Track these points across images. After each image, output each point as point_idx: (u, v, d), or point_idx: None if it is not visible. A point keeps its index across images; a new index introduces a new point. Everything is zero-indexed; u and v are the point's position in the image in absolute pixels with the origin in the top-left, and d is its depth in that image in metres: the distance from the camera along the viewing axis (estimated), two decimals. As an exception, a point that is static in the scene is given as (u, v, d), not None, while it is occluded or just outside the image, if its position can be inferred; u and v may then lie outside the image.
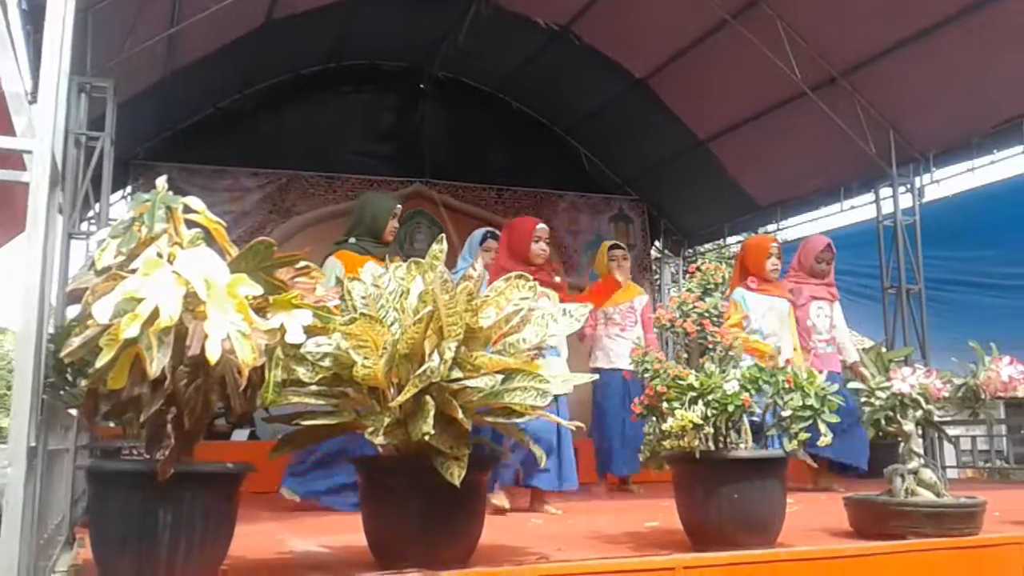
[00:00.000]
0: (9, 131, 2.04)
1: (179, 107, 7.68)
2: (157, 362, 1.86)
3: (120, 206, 7.46)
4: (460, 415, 2.21)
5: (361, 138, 8.79)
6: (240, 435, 6.19)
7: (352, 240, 4.34)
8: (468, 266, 4.12)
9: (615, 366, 5.30)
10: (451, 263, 4.89)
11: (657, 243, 10.31)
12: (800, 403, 2.72)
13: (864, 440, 5.23)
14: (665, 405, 2.74)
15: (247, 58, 7.46)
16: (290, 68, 8.43)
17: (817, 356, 5.27)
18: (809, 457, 5.22)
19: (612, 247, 5.70)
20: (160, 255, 2.07)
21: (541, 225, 4.38)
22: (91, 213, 5.28)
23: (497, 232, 4.72)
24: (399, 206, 4.51)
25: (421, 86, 9.03)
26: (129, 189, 7.69)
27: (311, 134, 8.39)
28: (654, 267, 10.24)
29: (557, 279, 4.36)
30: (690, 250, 10.35)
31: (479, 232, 4.76)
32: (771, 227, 9.39)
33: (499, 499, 3.96)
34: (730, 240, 10.06)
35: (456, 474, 2.17)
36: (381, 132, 8.99)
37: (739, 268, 5.40)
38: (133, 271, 2.01)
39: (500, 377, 2.35)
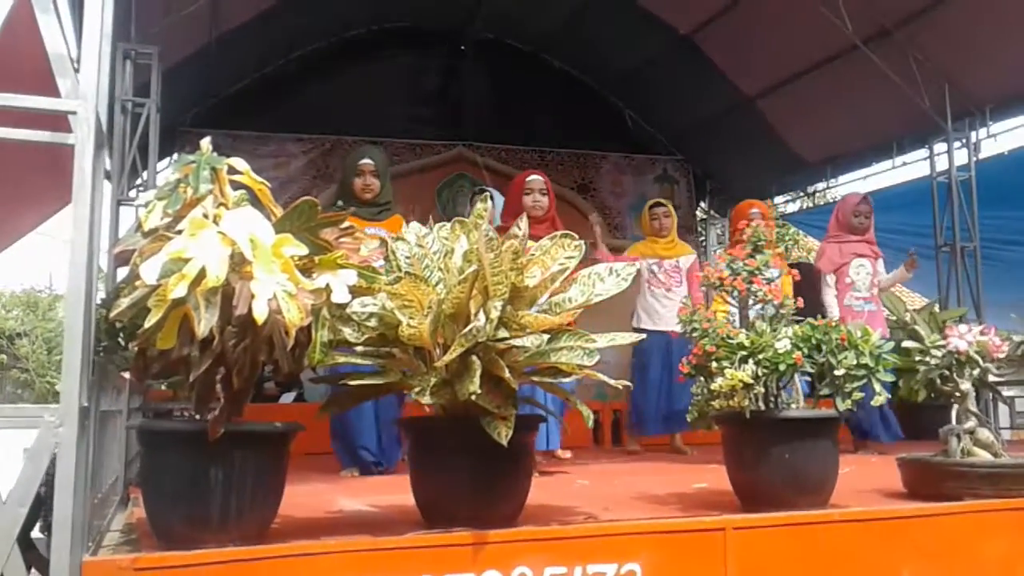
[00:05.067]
0: (54, 94, 2.05)
1: (223, 74, 7.69)
2: (205, 322, 1.86)
3: (168, 173, 7.54)
4: (507, 374, 2.19)
5: (403, 102, 8.74)
6: (287, 398, 6.27)
7: (339, 203, 4.19)
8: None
9: (658, 328, 5.19)
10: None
11: (703, 204, 10.16)
12: (854, 361, 2.66)
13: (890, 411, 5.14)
14: (714, 365, 2.70)
15: (290, 23, 7.44)
16: (332, 32, 8.40)
17: (855, 315, 5.17)
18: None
19: (653, 204, 5.61)
20: (206, 216, 2.07)
21: (533, 177, 4.32)
22: (139, 180, 5.33)
23: (482, 188, 4.69)
24: (366, 160, 4.21)
25: (462, 47, 8.95)
26: (176, 156, 7.76)
27: (354, 98, 8.36)
28: (699, 228, 10.09)
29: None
30: (736, 210, 10.16)
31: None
32: (820, 185, 9.19)
33: None
34: (778, 200, 9.87)
35: (504, 434, 2.16)
36: (423, 95, 8.93)
37: (731, 234, 5.31)
38: (180, 232, 2.01)
39: (546, 337, 2.33)
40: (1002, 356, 3.09)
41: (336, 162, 8.25)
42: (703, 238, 10.10)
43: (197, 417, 2.09)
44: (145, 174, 5.24)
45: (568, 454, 4.73)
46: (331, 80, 8.32)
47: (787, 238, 13.19)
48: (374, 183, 4.19)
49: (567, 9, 8.30)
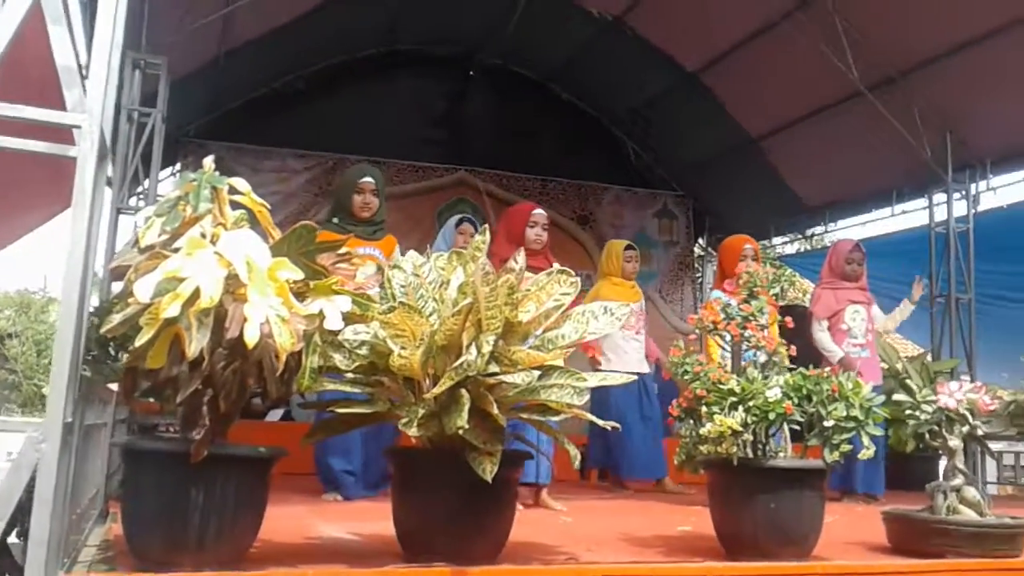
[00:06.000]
0: (60, 105, 2.05)
1: (231, 86, 7.73)
2: (196, 343, 1.86)
3: (170, 182, 7.55)
4: (495, 410, 2.18)
5: (408, 123, 8.77)
6: (275, 415, 6.23)
7: (335, 220, 4.20)
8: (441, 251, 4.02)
9: (629, 369, 5.11)
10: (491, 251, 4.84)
11: (701, 241, 10.18)
12: (844, 413, 2.65)
13: (881, 463, 5.12)
14: (704, 409, 2.69)
15: (300, 40, 7.48)
16: (341, 51, 8.44)
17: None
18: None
19: (628, 247, 5.57)
20: (204, 235, 2.07)
21: (539, 211, 4.33)
22: (140, 188, 5.33)
23: (472, 217, 4.68)
24: (367, 179, 4.19)
25: (471, 73, 9.00)
26: (179, 166, 7.78)
27: (359, 118, 8.39)
28: (696, 265, 10.11)
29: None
30: (734, 249, 10.18)
31: (455, 217, 4.66)
32: (819, 228, 9.21)
33: None
34: (776, 240, 9.90)
35: (489, 469, 2.15)
36: (429, 118, 8.96)
37: (719, 270, 5.31)
38: (176, 250, 2.01)
39: (537, 373, 2.32)
40: (993, 412, 3.09)
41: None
42: (700, 275, 10.11)
43: (181, 435, 2.08)
44: (147, 182, 5.24)
45: (560, 507, 4.23)
46: (337, 98, 8.36)
47: (783, 279, 13.20)
48: (373, 202, 4.20)
49: (576, 41, 8.37)
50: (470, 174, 8.82)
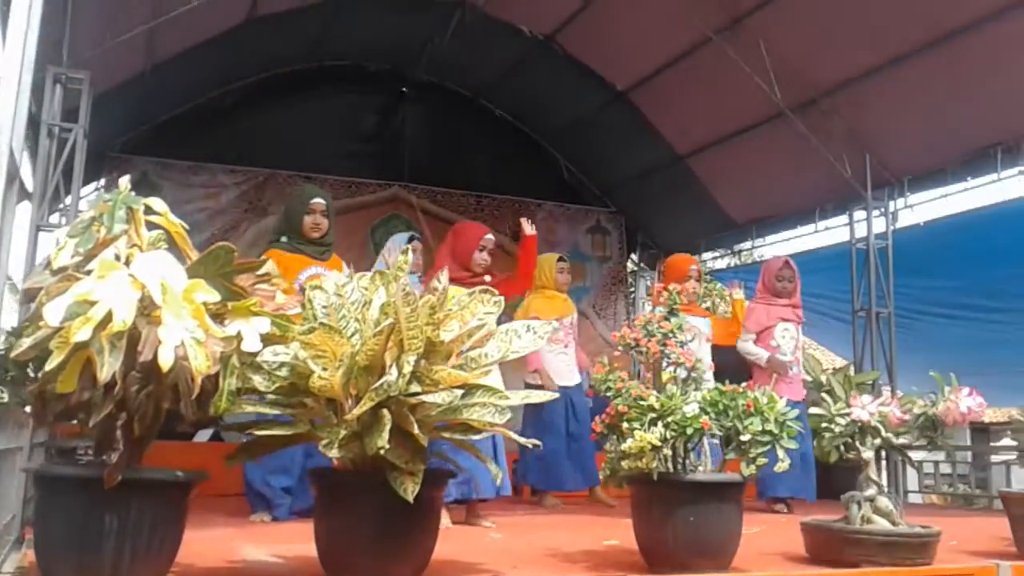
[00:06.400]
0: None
1: (158, 101, 7.58)
2: (108, 367, 1.83)
3: (94, 197, 7.37)
4: (416, 430, 2.19)
5: (341, 139, 8.72)
6: (203, 436, 6.11)
7: (284, 239, 4.25)
8: (381, 268, 4.08)
9: (561, 383, 5.25)
10: (426, 268, 4.87)
11: (633, 256, 10.33)
12: (760, 428, 2.73)
13: (812, 469, 5.29)
14: (625, 425, 2.74)
15: (228, 54, 7.39)
16: (271, 66, 8.36)
17: (779, 378, 5.30)
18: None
19: (560, 259, 5.71)
20: (118, 257, 2.05)
21: (489, 236, 4.42)
22: (62, 205, 5.20)
23: (419, 236, 4.75)
24: (318, 199, 4.27)
25: (403, 89, 9.00)
26: (103, 181, 7.60)
27: (291, 133, 8.32)
28: (630, 280, 10.25)
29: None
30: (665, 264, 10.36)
31: (404, 235, 4.68)
32: (746, 244, 9.43)
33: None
34: (706, 256, 10.09)
35: (410, 489, 2.16)
36: (361, 133, 8.93)
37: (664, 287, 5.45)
38: (89, 272, 1.98)
39: (459, 392, 2.34)
40: (904, 424, 3.21)
41: (270, 195, 8.18)
42: (632, 290, 10.25)
43: (97, 459, 2.05)
44: (68, 199, 5.12)
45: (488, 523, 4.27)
46: (268, 113, 8.27)
47: (714, 293, 13.51)
48: (323, 222, 4.27)
49: (509, 60, 8.45)
50: (404, 190, 8.81)
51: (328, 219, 4.29)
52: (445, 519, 3.94)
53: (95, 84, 5.08)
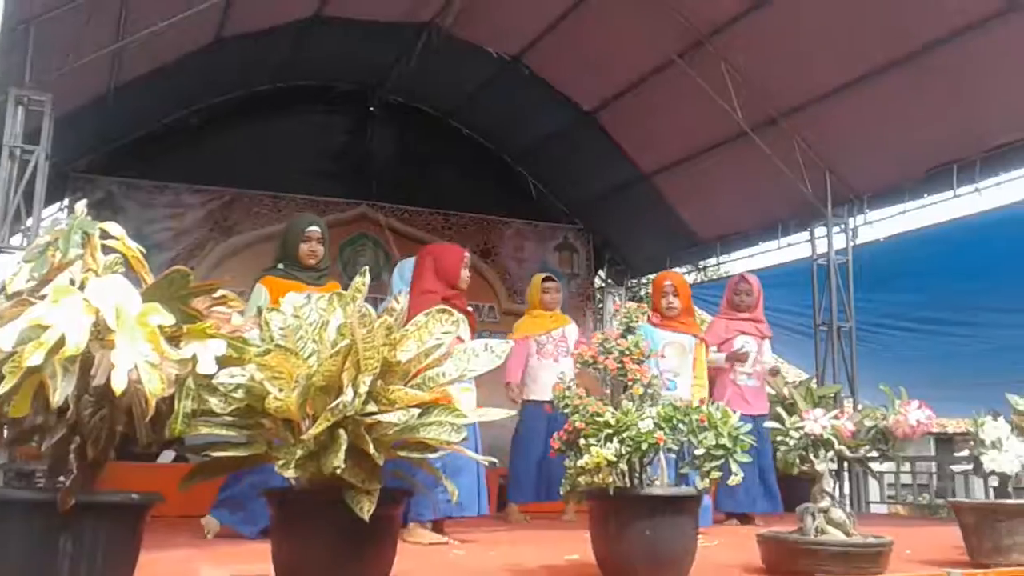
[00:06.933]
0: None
1: (123, 121, 7.58)
2: (61, 391, 1.84)
3: (57, 219, 7.33)
4: (372, 449, 2.22)
5: (309, 158, 8.75)
6: (166, 457, 6.08)
7: (280, 266, 4.36)
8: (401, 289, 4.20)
9: (541, 397, 5.34)
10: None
11: (601, 273, 10.42)
12: (713, 442, 2.78)
13: (772, 483, 5.38)
14: (582, 441, 2.79)
15: (195, 75, 7.40)
16: (239, 86, 8.38)
17: (739, 391, 5.39)
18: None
19: (546, 279, 5.86)
20: (73, 282, 2.06)
21: (467, 253, 4.58)
22: (24, 227, 5.19)
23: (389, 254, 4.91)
24: (313, 228, 4.40)
25: (371, 109, 9.05)
26: (67, 201, 7.56)
27: (258, 153, 8.33)
28: (598, 296, 10.34)
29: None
30: (633, 280, 10.48)
31: (412, 260, 4.78)
32: (712, 261, 9.56)
33: (421, 535, 3.98)
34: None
35: (366, 508, 2.18)
36: (329, 153, 8.97)
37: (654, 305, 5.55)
38: (43, 297, 1.99)
39: (416, 411, 2.37)
40: (855, 437, 3.28)
41: (236, 215, 8.19)
42: (601, 305, 10.33)
43: (50, 483, 2.06)
44: (30, 221, 5.10)
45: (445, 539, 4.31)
46: (234, 133, 8.28)
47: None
48: (319, 249, 4.38)
49: (476, 81, 8.54)
50: (372, 208, 8.84)
51: (324, 246, 4.42)
52: (438, 536, 4.00)
53: (58, 105, 5.09)
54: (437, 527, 4.20)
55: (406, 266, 4.68)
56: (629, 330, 3.08)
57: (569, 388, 2.98)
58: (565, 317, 5.83)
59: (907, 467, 8.90)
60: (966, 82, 6.12)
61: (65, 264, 2.08)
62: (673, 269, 10.02)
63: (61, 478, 2.01)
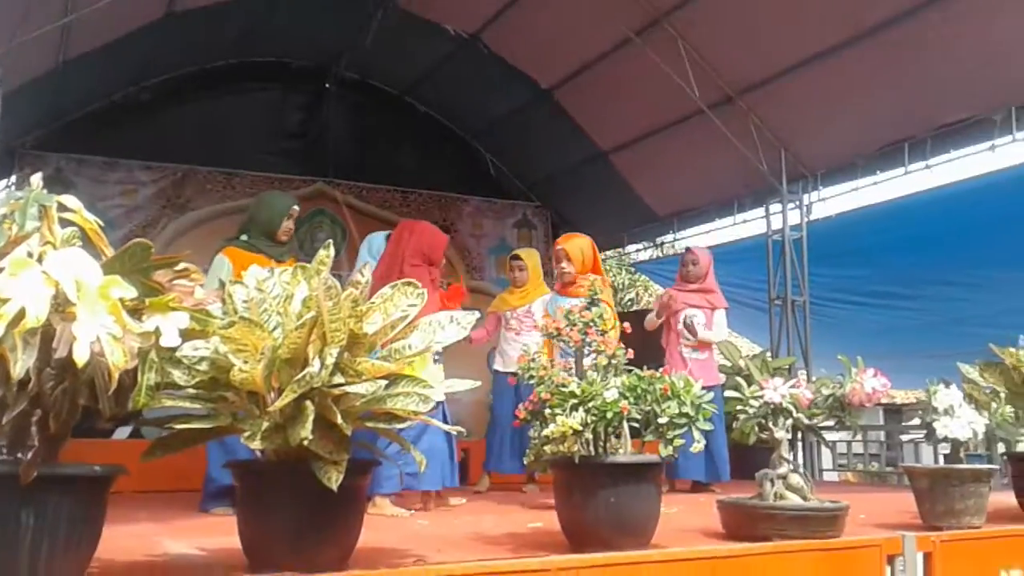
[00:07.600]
0: None
1: (72, 97, 7.40)
2: (21, 364, 1.82)
3: (9, 195, 7.14)
4: (339, 420, 2.22)
5: (263, 135, 8.64)
6: (122, 433, 5.99)
7: (244, 237, 4.36)
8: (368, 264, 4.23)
9: (507, 370, 5.48)
10: (351, 264, 4.97)
11: (559, 250, 10.44)
12: (677, 411, 2.83)
13: (720, 452, 5.50)
14: (548, 411, 2.82)
15: (146, 50, 7.25)
16: (192, 62, 8.22)
17: (686, 364, 5.48)
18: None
19: (512, 257, 5.98)
20: (30, 255, 2.02)
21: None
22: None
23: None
24: (296, 207, 4.52)
25: (327, 86, 8.95)
26: (14, 178, 7.37)
27: (211, 129, 8.20)
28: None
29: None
30: (591, 257, 10.52)
31: (383, 233, 4.82)
32: (668, 237, 9.64)
33: (383, 507, 4.03)
34: (629, 248, 10.28)
35: (334, 479, 2.19)
36: (284, 130, 8.86)
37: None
38: (1, 271, 1.96)
39: (383, 383, 2.37)
40: (815, 406, 3.36)
41: (189, 191, 8.07)
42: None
43: (11, 457, 2.03)
44: (-22, 197, 4.97)
45: (462, 501, 4.78)
46: (187, 109, 8.14)
47: (637, 284, 13.79)
48: (293, 228, 4.50)
49: (433, 57, 8.48)
50: (329, 186, 8.76)
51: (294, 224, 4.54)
52: (400, 510, 4.04)
53: (6, 80, 4.95)
54: (430, 496, 4.29)
55: (374, 240, 4.68)
56: (593, 303, 3.10)
57: (534, 360, 3.00)
58: (537, 291, 5.84)
59: (858, 436, 9.11)
60: (918, 61, 6.23)
61: (22, 237, 2.03)
62: (630, 245, 10.11)
63: (21, 452, 1.98)
